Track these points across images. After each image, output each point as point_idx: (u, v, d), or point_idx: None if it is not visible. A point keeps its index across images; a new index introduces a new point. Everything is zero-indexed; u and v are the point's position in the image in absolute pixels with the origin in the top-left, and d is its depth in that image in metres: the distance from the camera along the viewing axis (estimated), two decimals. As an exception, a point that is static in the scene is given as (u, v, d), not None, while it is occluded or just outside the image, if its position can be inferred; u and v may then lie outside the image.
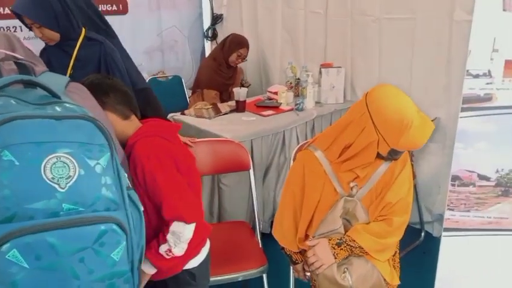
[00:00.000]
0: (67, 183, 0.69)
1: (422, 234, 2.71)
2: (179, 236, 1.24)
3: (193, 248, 1.35)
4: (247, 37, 3.35)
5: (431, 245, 2.40)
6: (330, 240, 1.43)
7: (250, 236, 1.97)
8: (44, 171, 0.67)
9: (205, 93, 3.32)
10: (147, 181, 1.25)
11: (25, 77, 0.84)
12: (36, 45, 1.72)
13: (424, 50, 2.57)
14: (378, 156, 1.37)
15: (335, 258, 1.42)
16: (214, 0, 4.11)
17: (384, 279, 1.46)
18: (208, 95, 3.30)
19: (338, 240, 1.43)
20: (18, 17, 1.72)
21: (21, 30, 3.02)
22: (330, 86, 2.98)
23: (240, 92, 2.75)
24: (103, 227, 0.71)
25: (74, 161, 0.71)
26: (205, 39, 4.23)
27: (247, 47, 3.24)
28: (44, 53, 1.88)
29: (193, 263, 1.38)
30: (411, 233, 2.65)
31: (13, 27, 3.04)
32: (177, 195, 1.25)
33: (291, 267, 1.72)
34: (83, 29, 1.82)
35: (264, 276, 1.80)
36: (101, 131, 0.78)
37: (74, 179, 0.70)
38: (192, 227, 1.26)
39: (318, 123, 2.83)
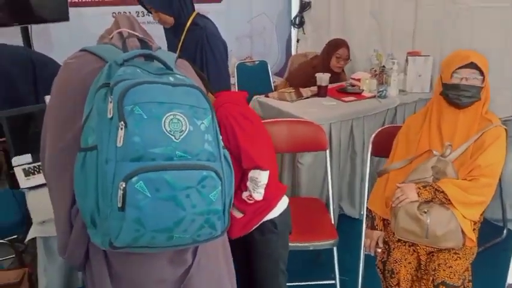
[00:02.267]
0: (180, 136, 0.87)
1: (504, 231, 2.60)
2: (256, 181, 1.47)
3: (271, 198, 1.54)
4: (334, 25, 3.43)
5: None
6: (417, 184, 1.59)
7: (323, 212, 2.09)
8: (164, 124, 0.86)
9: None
10: (230, 138, 1.47)
11: (146, 52, 1.03)
12: (156, 30, 2.00)
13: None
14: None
15: (419, 196, 1.56)
16: (303, -12, 4.21)
17: (462, 232, 1.54)
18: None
19: (424, 184, 1.58)
20: (141, 3, 2.00)
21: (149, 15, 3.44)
22: (416, 74, 2.94)
23: (322, 77, 2.84)
24: (204, 172, 0.89)
25: (185, 118, 0.89)
26: (292, 27, 4.35)
27: (346, 47, 3.17)
28: (165, 33, 2.16)
29: (273, 214, 1.57)
30: (493, 229, 2.58)
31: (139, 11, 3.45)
32: (253, 147, 1.47)
33: (362, 242, 1.83)
34: (193, 13, 2.05)
35: (335, 249, 1.91)
36: (205, 97, 0.95)
37: (185, 133, 0.88)
38: (266, 173, 1.47)
39: (400, 112, 2.82)
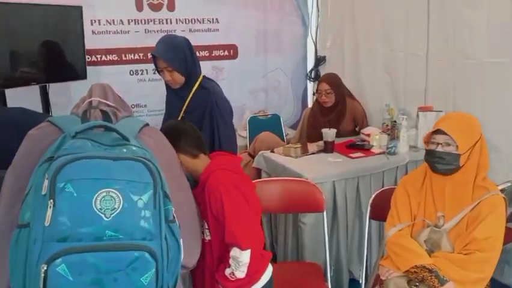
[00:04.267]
0: (111, 214, 0.84)
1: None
2: (238, 260, 1.41)
3: (254, 272, 1.48)
4: (348, 79, 3.42)
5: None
6: None
7: (319, 280, 1.96)
8: (95, 202, 0.84)
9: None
10: (217, 208, 1.44)
11: (102, 123, 1.03)
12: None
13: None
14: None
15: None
16: (318, 43, 4.26)
17: None
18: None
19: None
20: (154, 61, 2.02)
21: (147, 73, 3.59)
22: (428, 130, 2.80)
23: (327, 133, 2.78)
24: (136, 253, 0.85)
25: (120, 195, 0.86)
26: (307, 80, 4.38)
27: (325, 81, 3.17)
28: (167, 93, 2.19)
29: (256, 287, 1.50)
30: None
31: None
32: (237, 222, 1.42)
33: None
34: (201, 76, 2.07)
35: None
36: (149, 171, 0.92)
37: (118, 211, 0.85)
38: (247, 252, 1.40)
39: (411, 169, 2.69)
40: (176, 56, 1.94)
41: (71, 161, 0.86)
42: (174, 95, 2.09)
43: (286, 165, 2.57)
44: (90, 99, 1.23)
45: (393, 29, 3.25)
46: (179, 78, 1.99)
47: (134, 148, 0.98)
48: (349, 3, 3.68)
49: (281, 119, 3.78)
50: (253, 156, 2.99)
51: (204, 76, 2.10)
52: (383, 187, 2.57)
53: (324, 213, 2.05)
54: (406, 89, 3.21)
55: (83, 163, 0.87)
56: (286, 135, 3.81)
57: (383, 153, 2.75)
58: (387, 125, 3.11)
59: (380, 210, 1.91)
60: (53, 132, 1.05)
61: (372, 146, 2.87)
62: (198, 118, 2.03)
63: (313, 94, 3.31)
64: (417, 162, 2.71)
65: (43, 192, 0.85)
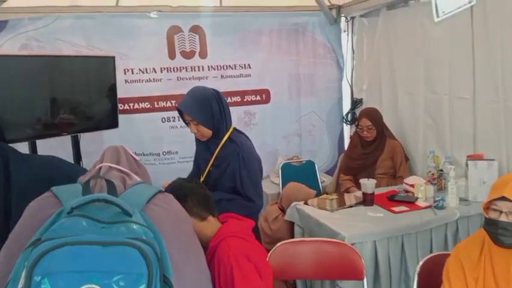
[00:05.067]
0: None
1: None
2: None
3: None
4: (387, 122, 3.23)
5: None
6: None
7: None
8: (75, 299, 0.70)
9: (340, 177, 3.32)
10: (227, 279, 1.29)
11: (102, 196, 0.91)
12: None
13: None
14: None
15: None
16: (354, 85, 4.11)
17: None
18: (342, 180, 3.29)
19: None
20: (180, 113, 1.96)
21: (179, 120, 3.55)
22: (480, 181, 2.54)
23: (366, 184, 2.56)
24: None
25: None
26: (344, 123, 4.20)
27: (366, 117, 3.13)
28: (196, 144, 2.09)
29: None
30: None
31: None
32: None
33: None
34: (230, 128, 1.97)
35: None
36: (145, 259, 0.78)
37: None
38: None
39: (463, 226, 2.40)
40: (202, 110, 1.85)
41: (52, 248, 0.75)
42: (204, 147, 2.00)
43: (321, 221, 2.36)
44: (100, 165, 1.14)
45: (435, 71, 3.05)
46: (206, 132, 1.90)
47: (134, 227, 0.85)
48: (386, 45, 3.53)
49: (316, 165, 3.59)
50: (283, 209, 2.81)
51: (234, 128, 1.99)
52: (431, 247, 2.31)
53: (365, 280, 1.81)
54: (453, 135, 2.96)
55: (66, 251, 0.75)
56: (322, 183, 3.61)
57: (430, 206, 2.49)
58: (432, 174, 2.85)
59: (429, 280, 1.66)
60: (53, 204, 0.95)
61: (417, 198, 2.61)
62: (222, 171, 1.91)
63: (356, 125, 3.29)
64: (469, 218, 2.43)
65: (19, 286, 0.73)
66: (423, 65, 3.15)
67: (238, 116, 3.66)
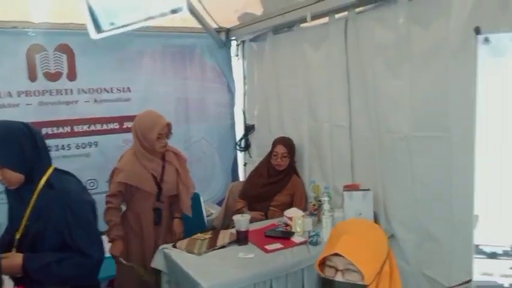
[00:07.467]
0: None
1: None
2: None
3: None
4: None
5: None
6: None
7: None
8: None
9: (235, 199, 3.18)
10: None
11: None
12: None
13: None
14: None
15: None
16: (246, 111, 3.96)
17: None
18: (235, 202, 3.15)
19: None
20: None
21: None
22: (356, 212, 2.45)
23: (240, 221, 2.34)
24: None
25: None
26: (237, 150, 4.01)
27: (283, 143, 3.04)
28: (6, 195, 1.69)
29: None
30: None
31: None
32: None
33: None
34: (49, 169, 1.60)
35: None
36: None
37: None
38: None
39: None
40: (7, 150, 1.50)
41: None
42: (16, 197, 1.61)
43: (184, 268, 2.07)
44: None
45: (316, 97, 2.98)
46: (14, 177, 1.53)
47: None
48: (273, 70, 3.41)
49: (201, 197, 3.31)
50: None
51: (55, 169, 1.64)
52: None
53: None
54: (334, 164, 2.87)
55: None
56: (208, 216, 3.35)
57: (305, 242, 2.33)
58: (313, 205, 2.73)
59: None
60: None
61: (294, 233, 2.45)
62: (43, 227, 1.56)
63: (269, 152, 3.12)
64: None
65: None
66: (306, 91, 3.07)
67: (116, 145, 3.29)
